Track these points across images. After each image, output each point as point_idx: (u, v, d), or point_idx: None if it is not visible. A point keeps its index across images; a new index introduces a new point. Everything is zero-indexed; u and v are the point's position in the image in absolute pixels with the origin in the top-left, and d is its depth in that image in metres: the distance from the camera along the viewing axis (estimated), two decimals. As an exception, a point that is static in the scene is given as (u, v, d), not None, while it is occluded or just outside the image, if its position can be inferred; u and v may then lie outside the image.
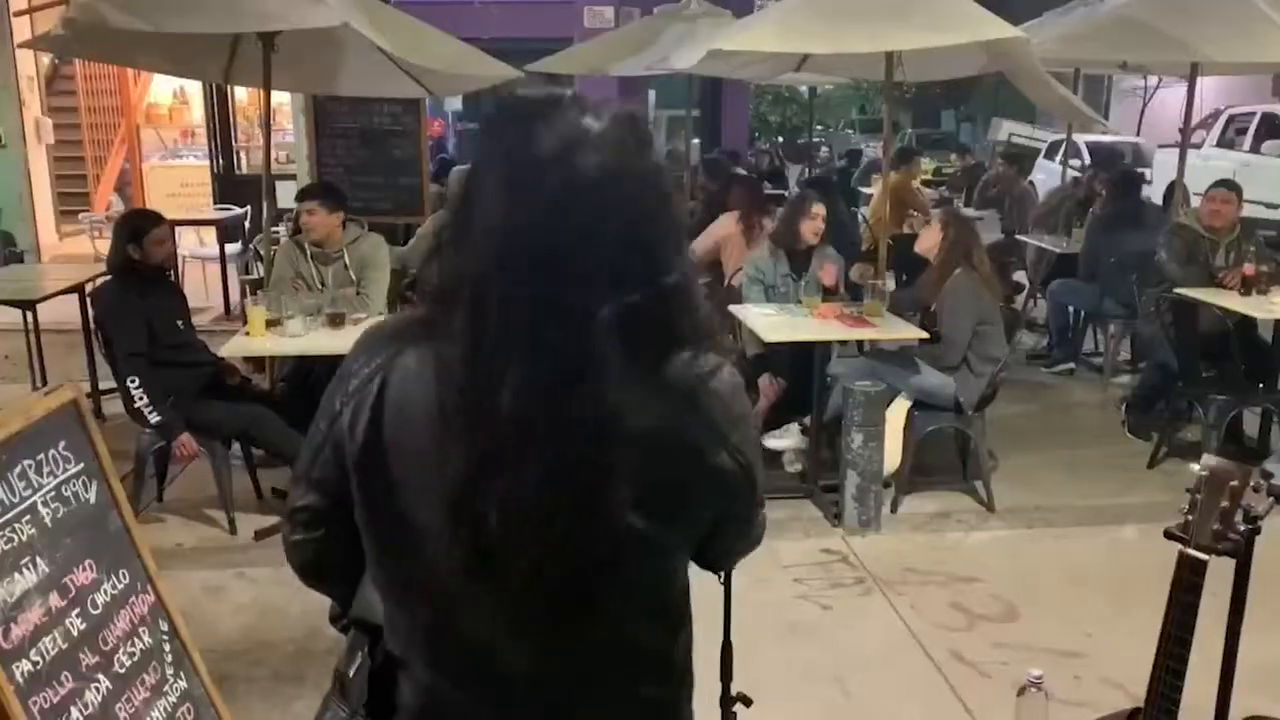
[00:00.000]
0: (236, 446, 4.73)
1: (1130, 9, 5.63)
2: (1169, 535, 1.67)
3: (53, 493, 2.14)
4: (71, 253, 11.13)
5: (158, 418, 4.22)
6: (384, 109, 7.36)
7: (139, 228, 4.40)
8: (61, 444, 2.21)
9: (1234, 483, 1.63)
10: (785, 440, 5.02)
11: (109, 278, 4.49)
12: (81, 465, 2.25)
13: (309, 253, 4.87)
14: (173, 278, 5.31)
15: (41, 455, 2.14)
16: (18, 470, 2.05)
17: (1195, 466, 1.67)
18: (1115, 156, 15.84)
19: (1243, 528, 1.62)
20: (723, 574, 2.30)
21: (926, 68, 5.62)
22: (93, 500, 2.26)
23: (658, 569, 1.20)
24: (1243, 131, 13.57)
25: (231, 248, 8.76)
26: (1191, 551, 1.64)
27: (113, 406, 5.55)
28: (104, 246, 8.92)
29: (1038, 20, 7.49)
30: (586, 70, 8.20)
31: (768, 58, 5.75)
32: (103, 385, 5.84)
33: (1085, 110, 5.60)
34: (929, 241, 4.76)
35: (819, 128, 26.16)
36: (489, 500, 1.06)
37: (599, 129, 1.11)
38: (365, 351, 1.19)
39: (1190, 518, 1.65)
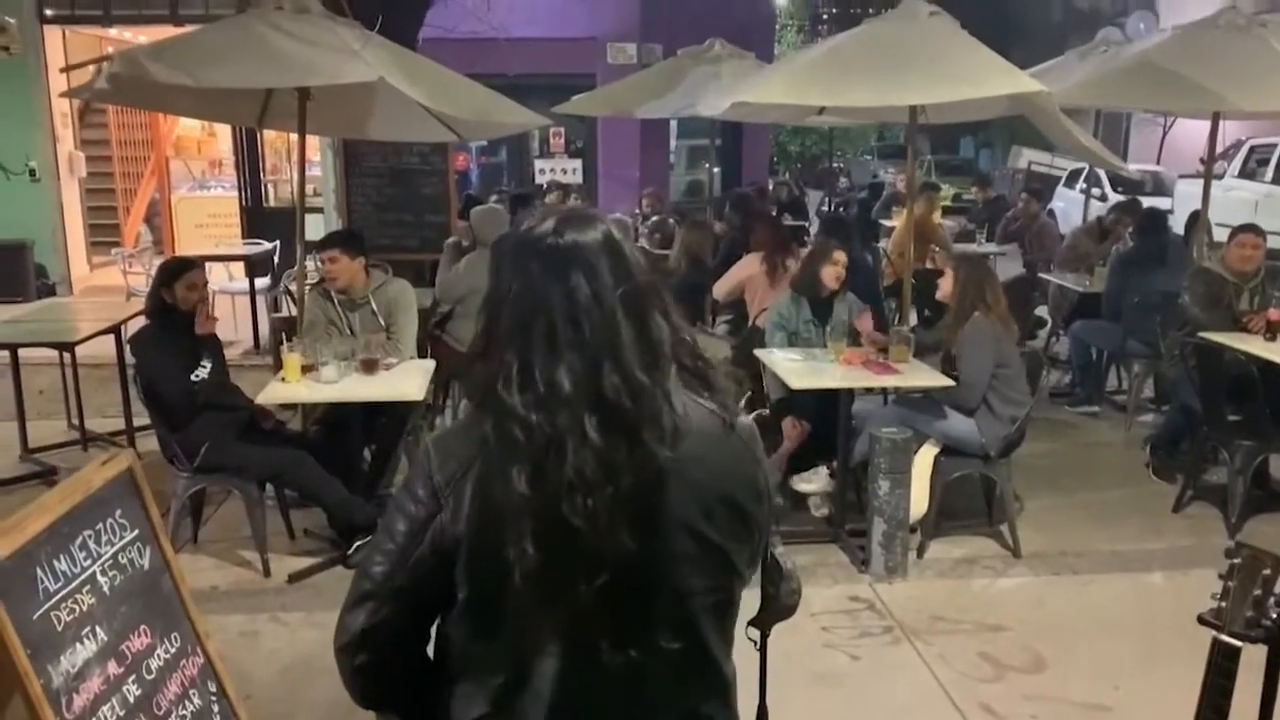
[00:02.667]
0: (269, 486, 4.81)
1: (1152, 55, 5.67)
2: (1202, 621, 1.71)
3: (110, 561, 2.21)
4: (102, 284, 11.30)
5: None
6: (412, 149, 7.49)
7: (174, 272, 4.51)
8: (118, 512, 2.28)
9: (1266, 570, 1.67)
10: (812, 484, 5.06)
11: (147, 323, 4.59)
12: (136, 532, 2.32)
13: (335, 300, 4.95)
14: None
15: (100, 525, 2.21)
16: (79, 541, 2.13)
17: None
18: (1136, 185, 15.88)
19: (1275, 615, 1.66)
20: (759, 636, 2.36)
21: (949, 111, 5.68)
22: (146, 565, 2.33)
23: (728, 586, 1.41)
24: (1264, 162, 13.56)
25: (260, 282, 8.89)
26: (1225, 638, 1.68)
27: (146, 444, 5.65)
28: (135, 281, 9.11)
29: (1059, 59, 7.55)
30: (612, 112, 8.29)
31: (790, 104, 5.82)
32: (136, 422, 5.95)
33: (1107, 156, 5.64)
34: (946, 288, 4.82)
35: (838, 153, 26.24)
36: (579, 513, 1.26)
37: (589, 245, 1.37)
38: (442, 454, 1.38)
39: (1223, 604, 1.69)
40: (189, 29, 11.37)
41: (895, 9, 5.12)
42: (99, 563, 2.17)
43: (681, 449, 1.32)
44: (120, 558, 2.25)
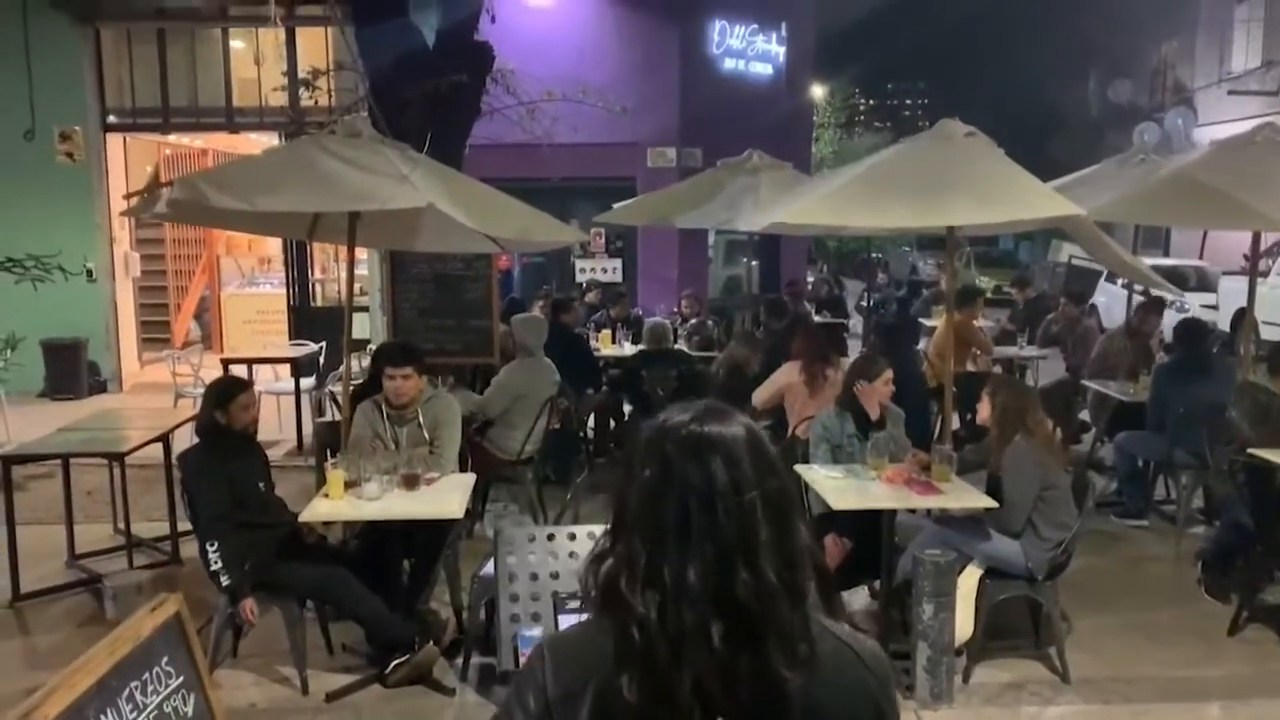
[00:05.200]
0: (309, 600, 4.82)
1: (1190, 171, 5.69)
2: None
3: (155, 712, 2.23)
4: (152, 380, 11.56)
5: (228, 581, 4.34)
6: (456, 255, 7.63)
7: (226, 395, 4.60)
8: (164, 659, 2.31)
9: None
10: (854, 603, 4.98)
11: (195, 441, 4.67)
12: (182, 679, 2.34)
13: (385, 413, 5.02)
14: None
15: (147, 674, 2.23)
16: (125, 694, 2.15)
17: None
18: (1180, 280, 15.78)
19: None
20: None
21: (985, 225, 5.72)
22: (190, 714, 2.34)
23: None
24: (1309, 260, 13.45)
25: (305, 382, 9.03)
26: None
27: (190, 549, 5.71)
28: (183, 381, 9.29)
29: (1097, 167, 7.58)
30: (651, 221, 8.43)
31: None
32: (181, 527, 6.02)
33: (1148, 274, 5.64)
34: (984, 413, 4.81)
35: (876, 246, 26.35)
36: None
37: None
38: (557, 664, 1.32)
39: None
40: (244, 135, 11.89)
41: (931, 129, 5.20)
42: (144, 714, 2.19)
43: (811, 677, 1.24)
44: (165, 706, 2.27)
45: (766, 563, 1.23)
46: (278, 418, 9.03)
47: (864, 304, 16.09)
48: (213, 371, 9.23)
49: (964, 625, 4.54)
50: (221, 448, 4.56)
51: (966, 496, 4.68)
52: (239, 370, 8.98)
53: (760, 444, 1.33)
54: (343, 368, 5.89)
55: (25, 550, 5.65)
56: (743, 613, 1.22)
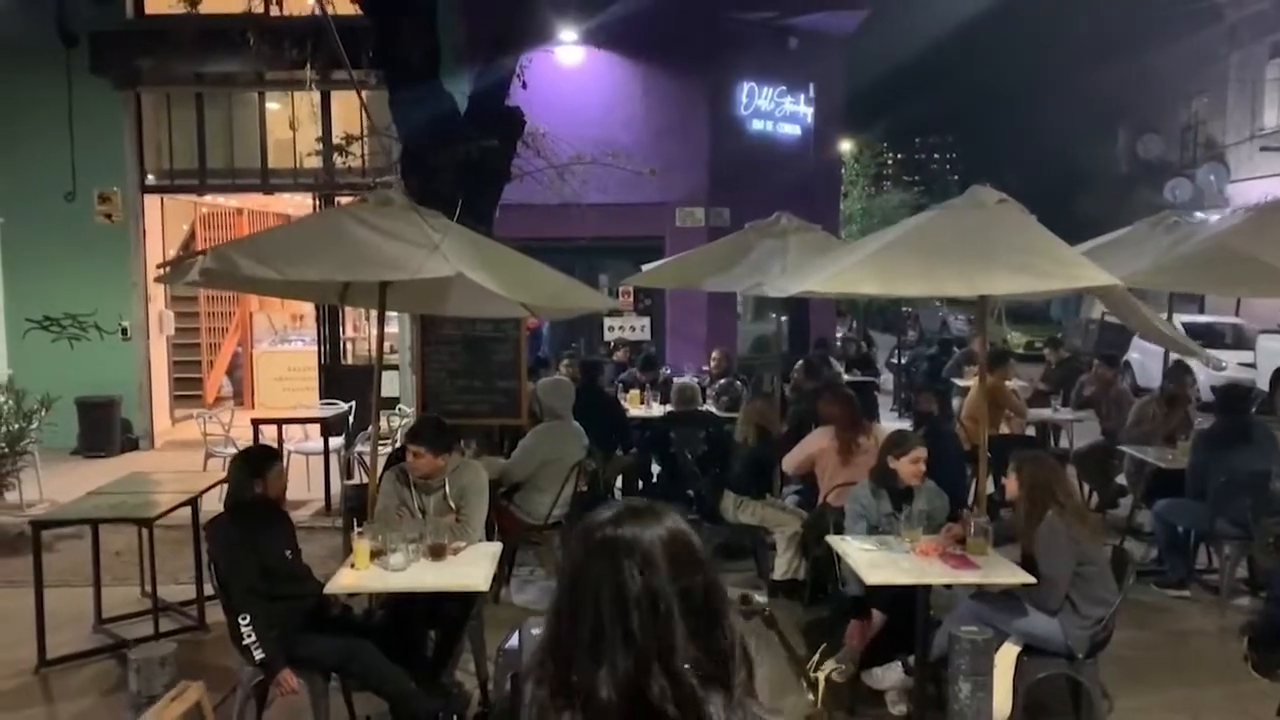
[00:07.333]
0: (333, 670, 4.76)
1: (1225, 238, 5.61)
2: None
3: (174, 808, 2.18)
4: (183, 438, 11.64)
5: (262, 655, 4.29)
6: (485, 317, 7.64)
7: (261, 464, 4.61)
8: (184, 752, 2.26)
9: None
10: (888, 678, 4.86)
11: (222, 513, 4.66)
12: (201, 771, 2.29)
13: (412, 481, 5.00)
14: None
15: (167, 768, 2.19)
16: (145, 790, 2.10)
17: None
18: (1216, 337, 15.56)
19: None
20: None
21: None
22: (209, 807, 2.29)
23: None
24: (1348, 318, 13.22)
25: (334, 441, 9.05)
26: None
27: (215, 614, 5.67)
28: (213, 442, 9.33)
29: (1129, 230, 7.50)
30: (680, 285, 8.43)
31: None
32: (207, 591, 5.99)
33: (1185, 342, 5.54)
34: (1011, 490, 4.71)
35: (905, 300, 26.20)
36: None
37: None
38: None
39: None
40: (278, 196, 12.05)
41: (963, 196, 5.17)
42: (163, 811, 2.14)
43: None
44: (184, 801, 2.22)
45: (686, 665, 1.20)
46: (306, 477, 9.04)
47: (894, 360, 15.98)
48: (243, 430, 9.31)
49: (1001, 703, 4.40)
50: (249, 518, 4.54)
51: (1003, 573, 4.57)
52: (269, 430, 9.03)
53: (682, 544, 1.29)
54: (371, 428, 5.88)
55: (52, 614, 5.64)
56: (659, 717, 1.18)
